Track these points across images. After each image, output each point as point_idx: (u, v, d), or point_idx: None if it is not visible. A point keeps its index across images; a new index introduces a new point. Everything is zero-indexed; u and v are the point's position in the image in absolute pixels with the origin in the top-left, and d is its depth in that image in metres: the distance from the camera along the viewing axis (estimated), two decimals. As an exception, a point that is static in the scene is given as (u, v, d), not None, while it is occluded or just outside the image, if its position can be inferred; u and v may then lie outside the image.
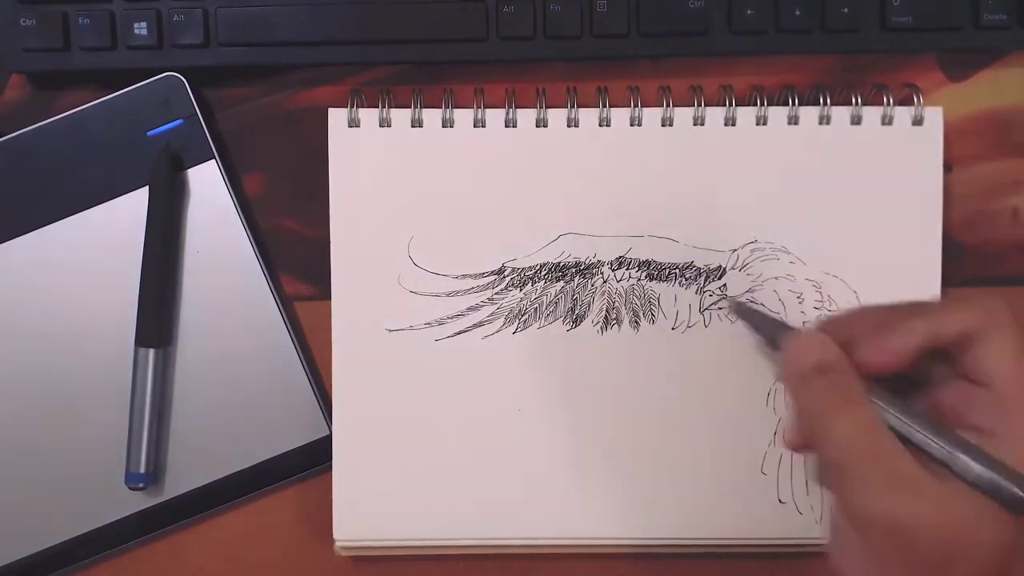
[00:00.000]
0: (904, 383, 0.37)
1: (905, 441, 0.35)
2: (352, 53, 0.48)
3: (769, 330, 0.42)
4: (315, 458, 0.49)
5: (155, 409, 0.48)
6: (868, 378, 0.36)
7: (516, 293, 0.48)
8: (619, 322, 0.48)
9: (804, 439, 0.38)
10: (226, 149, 0.49)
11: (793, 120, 0.48)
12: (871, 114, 0.48)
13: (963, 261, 0.50)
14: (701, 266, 0.48)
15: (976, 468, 0.33)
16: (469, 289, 0.48)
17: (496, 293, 0.48)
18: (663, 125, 0.48)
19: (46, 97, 0.49)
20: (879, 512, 0.34)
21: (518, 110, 0.48)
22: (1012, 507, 0.32)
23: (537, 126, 0.48)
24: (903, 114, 0.48)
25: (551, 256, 0.48)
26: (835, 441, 0.35)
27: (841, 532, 0.36)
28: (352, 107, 0.48)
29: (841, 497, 0.36)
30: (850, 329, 0.37)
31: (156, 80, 0.48)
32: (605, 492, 0.48)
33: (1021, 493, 0.32)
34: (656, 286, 0.48)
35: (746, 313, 0.45)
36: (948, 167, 0.49)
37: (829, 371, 0.36)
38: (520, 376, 0.48)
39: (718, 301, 0.48)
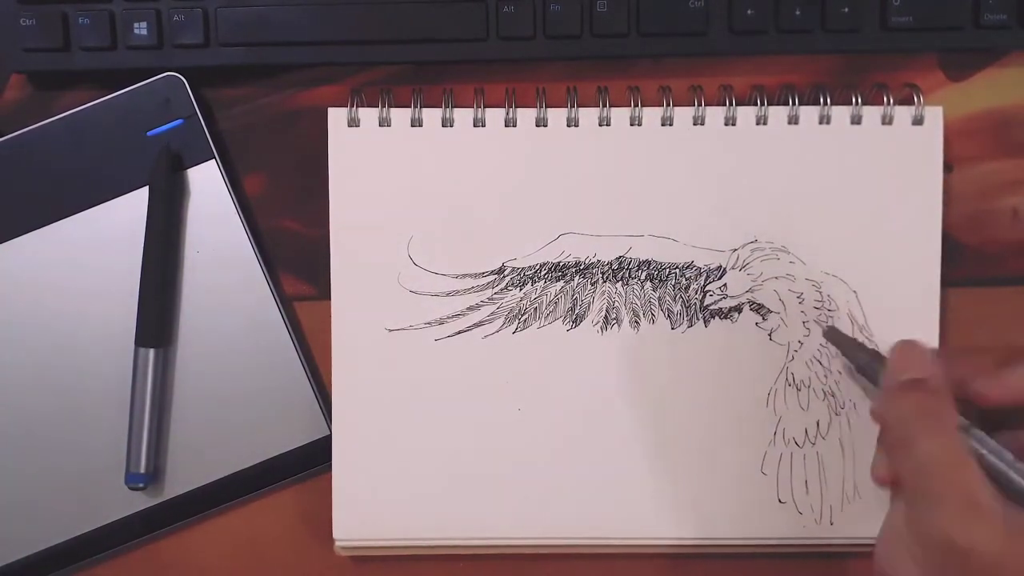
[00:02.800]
0: (996, 423, 0.39)
1: (989, 472, 0.36)
2: (352, 53, 0.48)
3: (860, 357, 0.44)
4: (315, 458, 0.49)
5: (155, 409, 0.48)
6: (971, 408, 0.38)
7: (516, 293, 0.48)
8: (619, 322, 0.48)
9: (889, 470, 0.39)
10: (226, 149, 0.49)
11: (793, 120, 0.48)
12: (871, 114, 0.48)
13: (963, 261, 0.50)
14: (701, 266, 0.48)
15: None
16: (469, 289, 0.48)
17: (496, 293, 0.48)
18: (663, 125, 0.48)
19: (46, 97, 0.49)
20: (950, 535, 0.35)
21: (518, 110, 0.48)
22: None
23: (537, 126, 0.48)
24: (903, 114, 0.48)
25: (551, 256, 0.48)
26: (918, 460, 0.36)
27: (901, 541, 0.38)
28: (352, 107, 0.48)
29: (913, 512, 0.37)
30: (969, 361, 0.39)
31: (156, 80, 0.48)
32: (604, 492, 0.48)
33: None
34: (656, 286, 0.48)
35: (838, 339, 0.47)
36: (948, 167, 0.49)
37: (923, 389, 0.38)
38: (520, 376, 0.48)
39: (718, 301, 0.48)
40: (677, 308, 0.48)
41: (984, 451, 0.37)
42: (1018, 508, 0.35)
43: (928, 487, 0.37)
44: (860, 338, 0.47)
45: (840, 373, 0.48)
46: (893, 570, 0.38)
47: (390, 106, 0.48)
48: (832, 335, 0.47)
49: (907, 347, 0.40)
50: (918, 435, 0.37)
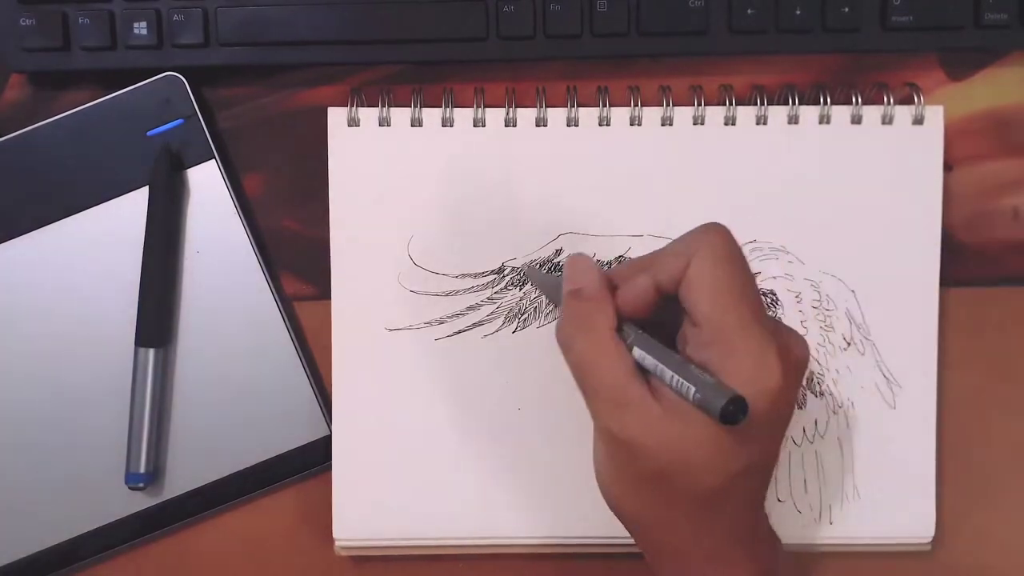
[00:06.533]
0: (658, 325, 0.40)
1: (649, 368, 0.38)
2: (352, 53, 0.48)
3: (554, 292, 0.45)
4: (315, 458, 0.49)
5: (155, 409, 0.48)
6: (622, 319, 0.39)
7: (516, 292, 0.48)
8: (619, 322, 0.48)
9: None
10: (226, 149, 0.49)
11: (793, 120, 0.48)
12: (871, 113, 0.48)
13: (963, 261, 0.50)
14: (701, 266, 0.48)
15: (691, 388, 0.36)
16: (469, 288, 0.48)
17: (496, 292, 0.48)
18: (663, 125, 0.48)
19: (46, 97, 0.49)
20: (610, 427, 0.37)
21: (518, 110, 0.48)
22: (722, 419, 0.34)
23: (537, 126, 0.48)
24: (903, 113, 0.48)
25: (551, 256, 0.48)
26: (574, 360, 0.39)
27: (594, 443, 0.40)
28: (352, 107, 0.48)
29: (589, 411, 0.39)
30: (620, 275, 0.40)
31: (156, 80, 0.48)
32: (605, 492, 0.48)
33: (720, 403, 0.34)
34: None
35: (535, 277, 0.48)
36: (948, 166, 0.49)
37: (579, 297, 0.39)
38: (520, 376, 0.48)
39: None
40: (677, 308, 0.48)
41: (640, 350, 0.38)
42: (672, 396, 0.36)
43: (585, 384, 0.38)
44: (854, 341, 0.48)
45: (838, 372, 0.48)
46: (598, 474, 0.40)
47: (390, 106, 0.48)
48: (531, 273, 0.48)
49: (572, 260, 0.41)
50: (573, 337, 0.39)
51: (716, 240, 0.38)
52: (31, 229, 0.48)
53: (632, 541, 0.48)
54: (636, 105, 0.48)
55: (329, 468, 0.48)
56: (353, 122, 0.48)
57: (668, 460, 0.37)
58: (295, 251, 0.50)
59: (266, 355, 0.49)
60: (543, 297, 0.48)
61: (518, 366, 0.48)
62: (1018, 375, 0.50)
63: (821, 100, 0.48)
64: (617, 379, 0.37)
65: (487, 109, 0.48)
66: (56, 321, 0.48)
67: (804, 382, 0.48)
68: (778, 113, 0.48)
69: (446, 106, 0.48)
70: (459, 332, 0.48)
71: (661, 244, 0.47)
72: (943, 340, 0.48)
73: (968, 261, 0.50)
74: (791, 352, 0.38)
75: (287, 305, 0.49)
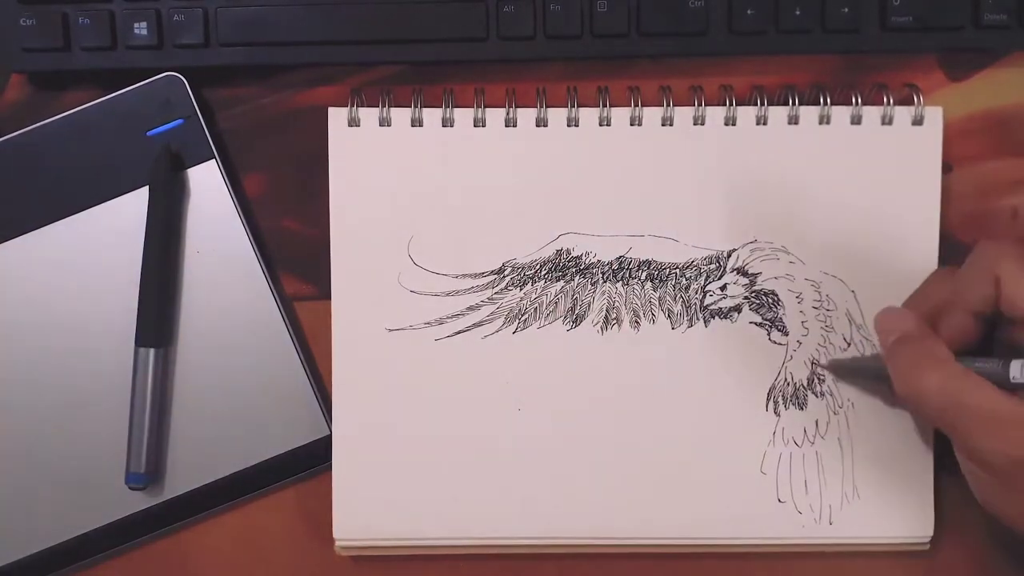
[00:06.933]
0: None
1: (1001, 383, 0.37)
2: (352, 53, 0.48)
3: (871, 367, 0.46)
4: (315, 458, 0.49)
5: (155, 409, 0.48)
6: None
7: (516, 293, 0.48)
8: (619, 322, 0.48)
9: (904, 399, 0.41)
10: (226, 149, 0.49)
11: (793, 120, 0.48)
12: (871, 114, 0.48)
13: (962, 261, 0.49)
14: (701, 266, 0.48)
15: None
16: (469, 289, 0.48)
17: (496, 293, 0.48)
18: (663, 125, 0.48)
19: (46, 97, 0.49)
20: (994, 452, 0.36)
21: (518, 110, 0.48)
22: None
23: (537, 126, 0.48)
24: (903, 114, 0.48)
25: (551, 256, 0.48)
26: (930, 399, 0.38)
27: (972, 473, 0.39)
28: (352, 107, 0.48)
29: (957, 444, 0.38)
30: (927, 302, 0.41)
31: (156, 80, 0.48)
32: (605, 492, 0.48)
33: None
34: (656, 286, 0.48)
35: (841, 367, 0.47)
36: (948, 167, 0.49)
37: (911, 340, 0.40)
38: (520, 376, 0.48)
39: (718, 301, 0.48)
40: (677, 308, 0.48)
41: (978, 366, 0.38)
42: None
43: (957, 419, 0.38)
44: (854, 342, 0.48)
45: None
46: (990, 500, 0.40)
47: (390, 106, 0.48)
48: (834, 366, 0.48)
49: (884, 314, 0.42)
50: (923, 379, 0.38)
51: (1010, 250, 0.39)
52: (31, 229, 0.48)
53: (631, 541, 0.48)
54: (636, 105, 0.48)
55: (329, 468, 0.48)
56: (353, 122, 0.48)
57: None
58: (295, 251, 0.50)
59: (266, 355, 0.49)
60: (543, 298, 0.48)
61: (518, 366, 0.48)
62: (1018, 375, 0.50)
63: (821, 100, 0.48)
64: (990, 400, 0.37)
65: (487, 109, 0.48)
66: (56, 321, 0.48)
67: (805, 382, 0.48)
68: (778, 113, 0.48)
69: (446, 106, 0.48)
70: (459, 332, 0.48)
71: (661, 244, 0.48)
72: (943, 340, 0.48)
73: (967, 261, 0.50)
74: None
75: (287, 305, 0.49)
